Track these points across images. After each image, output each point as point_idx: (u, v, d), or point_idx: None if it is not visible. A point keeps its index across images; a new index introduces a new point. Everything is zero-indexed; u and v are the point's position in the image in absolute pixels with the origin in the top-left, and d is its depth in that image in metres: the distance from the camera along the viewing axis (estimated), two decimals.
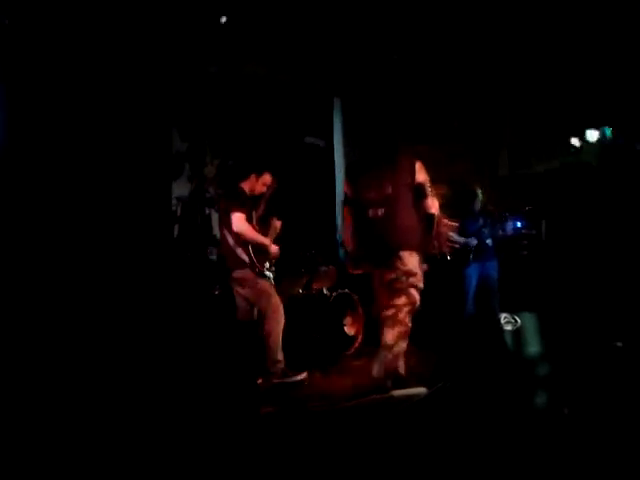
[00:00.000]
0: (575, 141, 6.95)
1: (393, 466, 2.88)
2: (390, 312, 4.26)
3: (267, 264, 4.88)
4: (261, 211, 5.04)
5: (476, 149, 5.77)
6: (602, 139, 6.77)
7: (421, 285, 4.34)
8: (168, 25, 3.12)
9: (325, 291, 6.16)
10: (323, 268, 6.35)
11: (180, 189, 6.25)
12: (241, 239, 4.69)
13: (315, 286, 6.28)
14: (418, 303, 4.32)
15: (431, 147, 7.98)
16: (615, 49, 6.58)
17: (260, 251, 4.80)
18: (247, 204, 4.81)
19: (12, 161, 2.76)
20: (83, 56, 2.78)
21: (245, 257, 4.72)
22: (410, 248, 4.30)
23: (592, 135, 6.74)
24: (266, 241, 4.84)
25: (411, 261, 4.29)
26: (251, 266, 4.72)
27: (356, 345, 6.02)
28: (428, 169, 4.42)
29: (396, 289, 4.27)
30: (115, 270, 2.76)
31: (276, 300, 4.74)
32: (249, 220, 4.78)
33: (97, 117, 2.81)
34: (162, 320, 2.86)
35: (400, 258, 4.27)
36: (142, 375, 2.40)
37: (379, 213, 4.33)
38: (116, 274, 2.76)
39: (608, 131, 6.69)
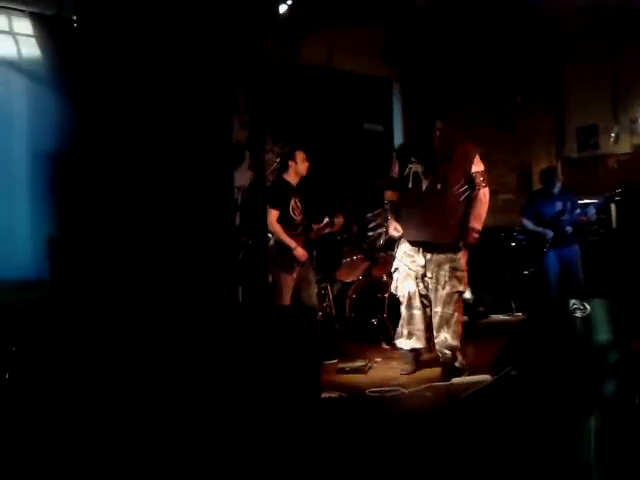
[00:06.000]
0: None
1: (449, 454, 2.85)
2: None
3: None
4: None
5: (542, 129, 5.52)
6: None
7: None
8: (227, 18, 3.15)
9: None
10: (383, 255, 6.30)
11: (243, 178, 6.33)
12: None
13: (375, 273, 6.25)
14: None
15: (495, 128, 7.82)
16: None
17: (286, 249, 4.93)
18: (284, 199, 4.96)
19: (82, 161, 2.88)
20: (146, 49, 2.83)
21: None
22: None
23: None
24: (292, 244, 4.97)
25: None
26: (271, 258, 4.84)
27: None
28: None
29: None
30: (183, 259, 2.84)
31: (286, 299, 4.86)
32: (288, 213, 4.96)
33: (160, 115, 2.86)
34: (225, 305, 2.92)
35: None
36: (205, 361, 2.46)
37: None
38: (184, 263, 2.84)
39: None
